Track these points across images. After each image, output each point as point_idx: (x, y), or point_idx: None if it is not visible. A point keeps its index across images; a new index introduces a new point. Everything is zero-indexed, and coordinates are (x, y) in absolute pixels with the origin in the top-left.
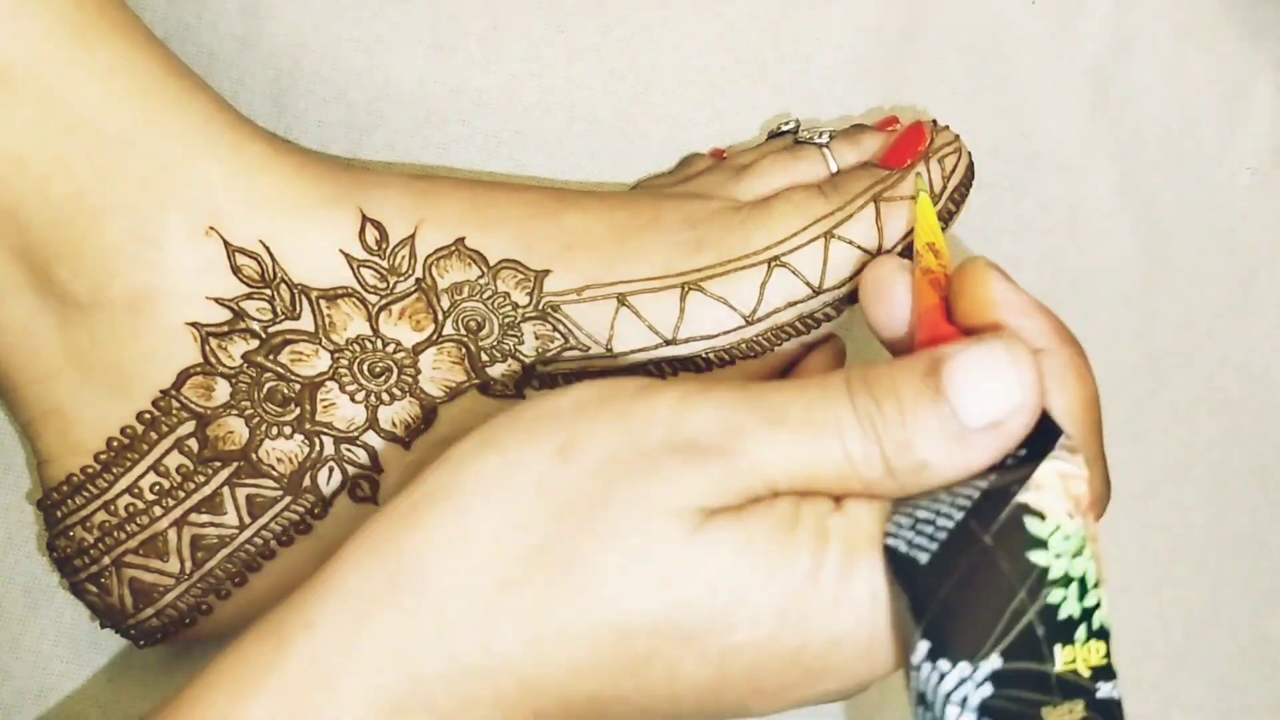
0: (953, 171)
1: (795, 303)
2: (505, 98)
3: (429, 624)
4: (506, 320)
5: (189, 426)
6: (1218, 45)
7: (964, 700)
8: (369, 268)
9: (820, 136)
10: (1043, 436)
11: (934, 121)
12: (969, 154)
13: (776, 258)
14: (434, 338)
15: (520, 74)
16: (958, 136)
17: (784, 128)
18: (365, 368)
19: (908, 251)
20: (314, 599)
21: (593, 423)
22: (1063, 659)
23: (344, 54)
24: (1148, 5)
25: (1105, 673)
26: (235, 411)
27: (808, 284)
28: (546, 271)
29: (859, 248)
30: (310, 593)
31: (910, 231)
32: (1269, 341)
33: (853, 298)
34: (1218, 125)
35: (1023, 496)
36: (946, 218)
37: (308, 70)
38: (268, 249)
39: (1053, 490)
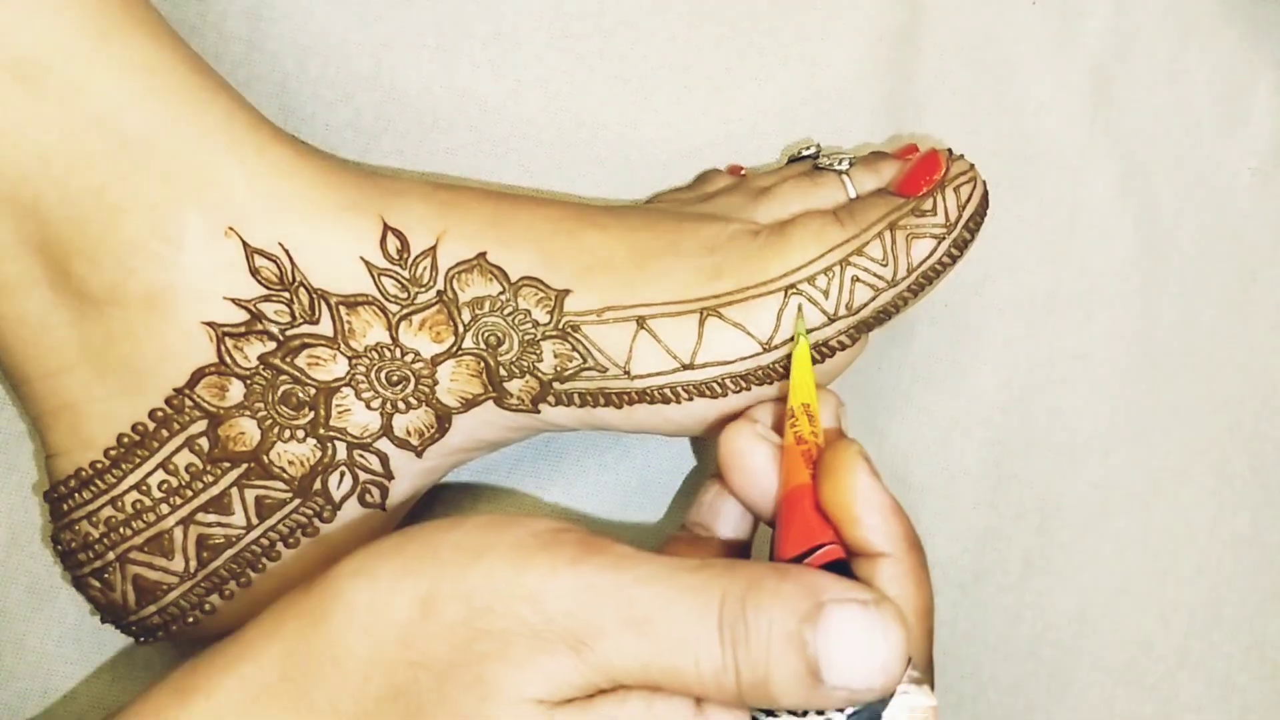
0: (968, 200)
1: (811, 330)
2: (511, 104)
3: None
4: (527, 337)
5: (200, 425)
6: (1218, 45)
7: None
8: (390, 277)
9: (840, 163)
10: None
11: (949, 150)
12: (984, 183)
13: (793, 285)
14: (453, 350)
15: (525, 80)
16: (973, 165)
17: (804, 153)
18: (383, 376)
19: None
20: (218, 669)
21: (459, 579)
22: None
23: (350, 57)
24: (1148, 5)
25: None
26: (248, 413)
27: (824, 311)
28: (567, 291)
29: (875, 275)
30: (218, 659)
31: (925, 260)
32: (1269, 341)
33: (868, 324)
34: (1218, 125)
35: None
36: (962, 246)
37: (313, 73)
38: (287, 252)
39: None
